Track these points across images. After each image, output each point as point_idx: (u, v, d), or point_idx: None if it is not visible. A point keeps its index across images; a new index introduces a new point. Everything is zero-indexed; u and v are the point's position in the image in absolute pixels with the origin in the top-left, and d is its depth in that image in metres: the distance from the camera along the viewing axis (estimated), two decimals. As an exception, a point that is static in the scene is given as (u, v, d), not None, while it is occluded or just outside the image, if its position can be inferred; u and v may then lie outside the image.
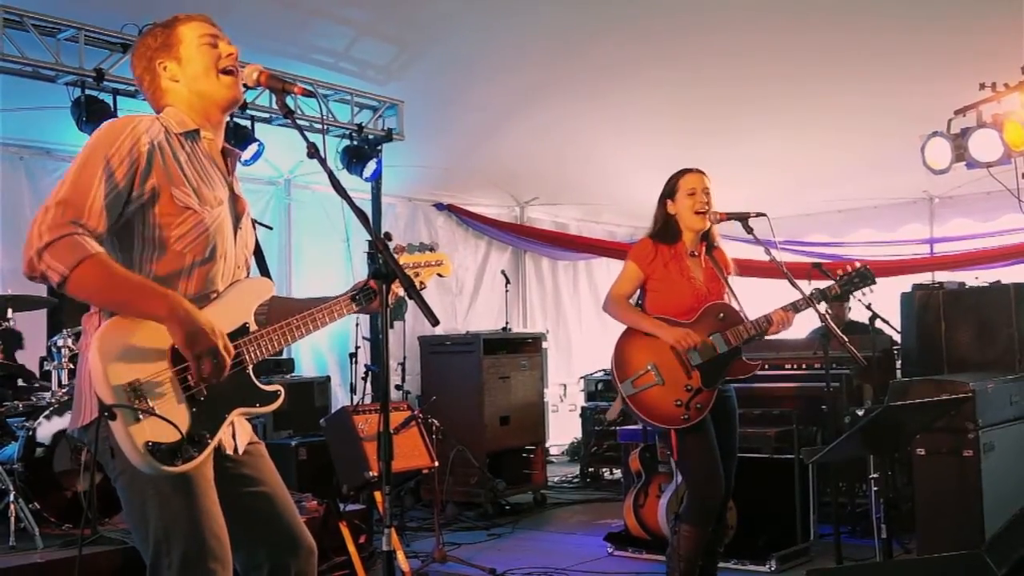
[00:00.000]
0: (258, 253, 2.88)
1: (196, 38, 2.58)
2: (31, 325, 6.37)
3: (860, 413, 5.54)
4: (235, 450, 2.56)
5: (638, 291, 4.33)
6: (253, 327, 2.54)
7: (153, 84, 2.61)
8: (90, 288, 2.27)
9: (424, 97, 7.77)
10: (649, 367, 4.11)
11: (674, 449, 4.08)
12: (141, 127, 2.43)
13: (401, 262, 2.86)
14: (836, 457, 4.97)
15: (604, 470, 9.07)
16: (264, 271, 2.95)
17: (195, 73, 2.57)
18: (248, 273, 2.71)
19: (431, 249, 2.96)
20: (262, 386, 2.53)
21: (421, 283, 2.88)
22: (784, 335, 6.63)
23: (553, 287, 11.51)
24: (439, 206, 10.09)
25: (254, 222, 2.81)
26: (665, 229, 4.29)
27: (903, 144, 7.37)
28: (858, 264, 4.32)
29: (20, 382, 5.88)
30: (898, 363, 6.56)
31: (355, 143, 7.62)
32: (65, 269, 2.21)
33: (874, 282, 4.27)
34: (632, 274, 4.27)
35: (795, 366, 6.44)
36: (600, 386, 9.15)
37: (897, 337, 6.43)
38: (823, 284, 4.32)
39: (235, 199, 2.63)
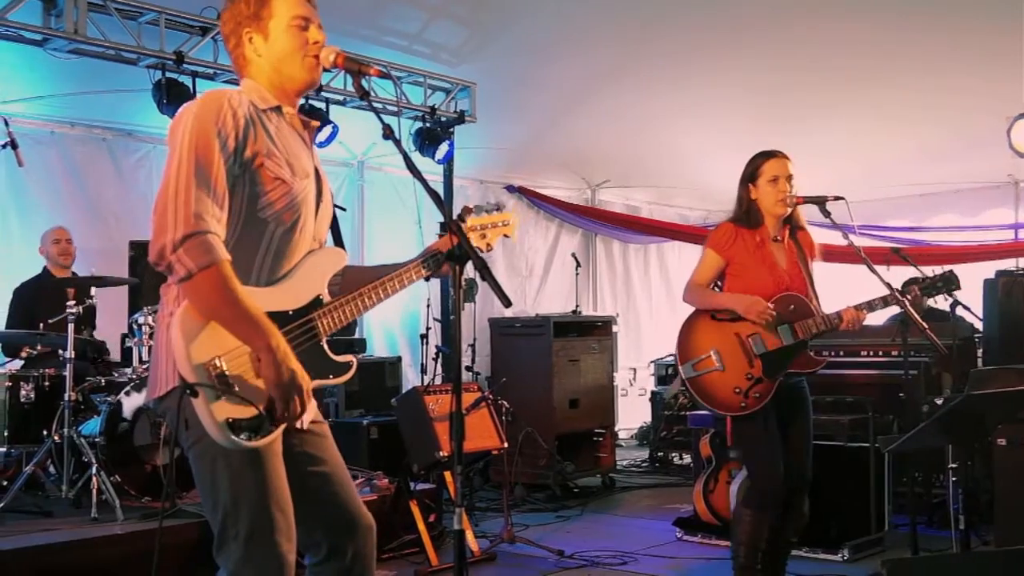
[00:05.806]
0: (334, 226, 2.89)
1: (288, 18, 2.53)
2: (114, 302, 6.56)
3: (939, 402, 5.41)
4: (302, 425, 2.56)
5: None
6: (326, 298, 2.54)
7: (237, 50, 2.59)
8: (204, 296, 2.28)
9: (496, 79, 7.77)
10: (712, 352, 4.08)
11: (728, 435, 4.07)
12: (236, 99, 2.42)
13: (470, 223, 2.86)
14: (914, 446, 4.86)
15: (673, 455, 9.02)
16: (339, 242, 2.96)
17: (279, 54, 2.54)
18: (322, 246, 2.68)
19: (498, 209, 2.95)
20: (335, 357, 2.53)
21: (488, 244, 2.89)
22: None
23: (624, 270, 11.45)
24: (510, 188, 10.10)
25: None
26: (748, 214, 4.19)
27: (988, 126, 7.17)
28: (947, 268, 4.22)
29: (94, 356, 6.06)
30: (979, 351, 6.39)
31: (428, 125, 7.66)
32: (194, 268, 2.24)
33: (958, 287, 4.15)
34: (712, 261, 4.18)
35: (872, 353, 6.31)
36: (670, 371, 9.07)
37: (979, 324, 6.26)
38: (907, 277, 4.22)
39: (317, 173, 2.62)
